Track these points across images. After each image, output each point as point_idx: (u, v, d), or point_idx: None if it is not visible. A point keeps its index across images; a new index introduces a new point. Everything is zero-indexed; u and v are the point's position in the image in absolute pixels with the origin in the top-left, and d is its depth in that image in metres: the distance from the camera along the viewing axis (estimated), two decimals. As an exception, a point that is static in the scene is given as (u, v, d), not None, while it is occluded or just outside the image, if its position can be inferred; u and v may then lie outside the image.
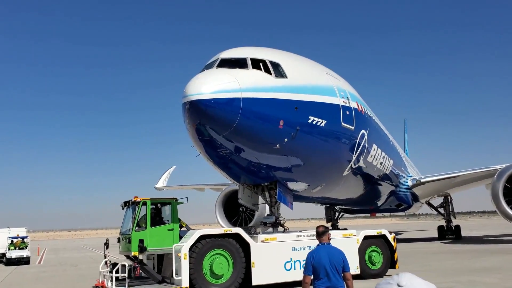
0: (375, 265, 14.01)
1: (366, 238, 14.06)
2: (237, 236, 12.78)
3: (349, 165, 15.86)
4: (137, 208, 12.78)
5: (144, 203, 12.86)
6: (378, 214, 37.45)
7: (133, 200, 13.04)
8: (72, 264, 25.34)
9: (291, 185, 14.20)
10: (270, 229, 14.40)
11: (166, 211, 13.64)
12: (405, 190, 28.44)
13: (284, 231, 14.11)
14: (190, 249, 12.10)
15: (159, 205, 13.39)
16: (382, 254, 14.20)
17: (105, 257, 13.68)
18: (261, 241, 12.83)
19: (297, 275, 12.70)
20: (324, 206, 35.82)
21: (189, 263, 11.97)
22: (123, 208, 14.00)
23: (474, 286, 11.67)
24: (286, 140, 12.04)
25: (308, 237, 13.29)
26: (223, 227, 26.76)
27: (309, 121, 12.65)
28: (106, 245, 14.03)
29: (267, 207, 28.23)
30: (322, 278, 5.71)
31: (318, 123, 12.93)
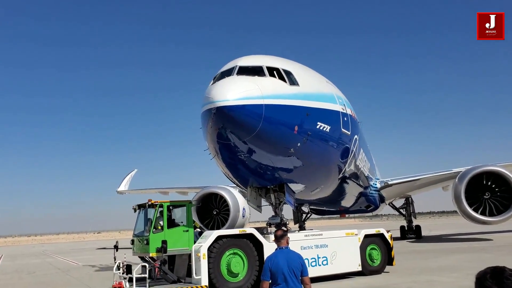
0: (374, 262, 14.98)
1: (366, 236, 15.04)
2: (251, 236, 13.36)
3: (344, 168, 16.85)
4: (154, 211, 13.08)
5: (161, 206, 13.18)
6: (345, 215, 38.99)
7: (149, 203, 13.30)
8: (29, 271, 24.19)
9: (295, 187, 14.89)
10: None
11: (177, 213, 13.99)
12: (374, 192, 29.92)
13: (287, 231, 14.80)
14: (209, 249, 12.58)
15: (171, 207, 13.69)
16: (381, 251, 15.22)
17: (115, 260, 13.77)
18: (272, 240, 13.43)
19: None
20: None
21: (208, 262, 12.45)
22: (135, 211, 14.19)
23: (432, 286, 12.21)
24: (299, 144, 12.76)
25: (315, 237, 14.11)
26: (196, 229, 27.11)
27: (317, 126, 13.44)
28: (116, 247, 14.11)
29: (243, 209, 29.00)
30: (280, 283, 5.60)
31: (324, 129, 13.76)
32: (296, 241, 13.84)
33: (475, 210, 26.35)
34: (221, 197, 28.84)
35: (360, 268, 14.52)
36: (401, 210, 37.86)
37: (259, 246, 13.34)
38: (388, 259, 15.36)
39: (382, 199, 32.14)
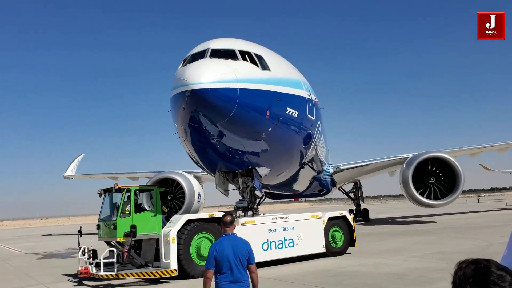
0: (337, 243, 15.48)
1: (330, 219, 15.51)
2: (220, 220, 13.38)
3: (307, 153, 17.23)
4: (121, 195, 12.81)
5: (128, 190, 12.93)
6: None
7: (116, 188, 13.00)
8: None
9: (262, 171, 15.06)
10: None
11: (143, 198, 13.79)
12: (327, 176, 30.78)
13: (253, 215, 14.99)
14: (178, 233, 12.52)
15: (137, 192, 13.45)
16: (343, 233, 15.75)
17: (79, 245, 13.38)
18: (241, 224, 13.60)
19: (273, 254, 13.83)
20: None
21: (178, 246, 12.40)
22: (100, 195, 13.81)
23: (378, 268, 12.33)
24: (270, 129, 12.90)
25: (282, 220, 14.38)
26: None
27: (287, 112, 13.63)
28: (80, 232, 13.69)
29: (198, 194, 28.91)
30: (225, 272, 5.27)
31: (293, 114, 13.98)
32: (264, 223, 14.10)
33: (421, 194, 27.81)
34: (175, 181, 28.64)
35: (324, 250, 14.99)
36: (350, 194, 39.15)
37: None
38: (350, 241, 15.93)
39: (334, 184, 33.11)
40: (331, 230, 15.46)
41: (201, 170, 28.12)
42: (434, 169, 28.27)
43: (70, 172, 42.39)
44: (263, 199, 38.53)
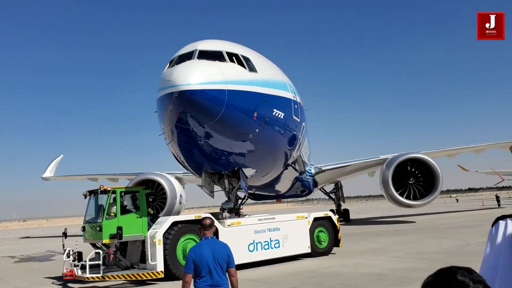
0: (322, 244, 15.65)
1: (315, 219, 15.69)
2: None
3: (292, 154, 17.40)
4: (106, 197, 12.76)
5: (114, 192, 12.88)
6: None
7: (101, 189, 12.92)
8: None
9: (248, 172, 15.16)
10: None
11: (129, 199, 13.75)
12: (309, 177, 30.99)
13: (239, 216, 15.07)
14: (164, 235, 12.52)
15: (123, 194, 13.40)
16: (328, 234, 15.94)
17: (63, 247, 13.25)
18: (228, 225, 13.68)
19: (259, 255, 13.92)
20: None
21: (164, 248, 12.41)
22: (85, 197, 13.71)
23: (359, 269, 12.42)
24: (257, 130, 13.03)
25: (268, 221, 14.50)
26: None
27: (273, 113, 13.78)
28: (65, 234, 13.55)
29: (180, 195, 28.82)
30: (204, 276, 5.16)
31: (279, 116, 14.14)
32: (251, 225, 14.20)
33: (401, 195, 28.19)
34: (156, 182, 28.44)
35: (309, 250, 15.15)
36: (331, 195, 39.53)
37: (214, 231, 13.46)
38: (335, 241, 16.13)
39: (315, 184, 33.34)
40: (316, 230, 15.63)
41: (183, 171, 28.11)
42: (413, 170, 28.70)
43: (48, 173, 41.76)
44: (245, 200, 38.61)
